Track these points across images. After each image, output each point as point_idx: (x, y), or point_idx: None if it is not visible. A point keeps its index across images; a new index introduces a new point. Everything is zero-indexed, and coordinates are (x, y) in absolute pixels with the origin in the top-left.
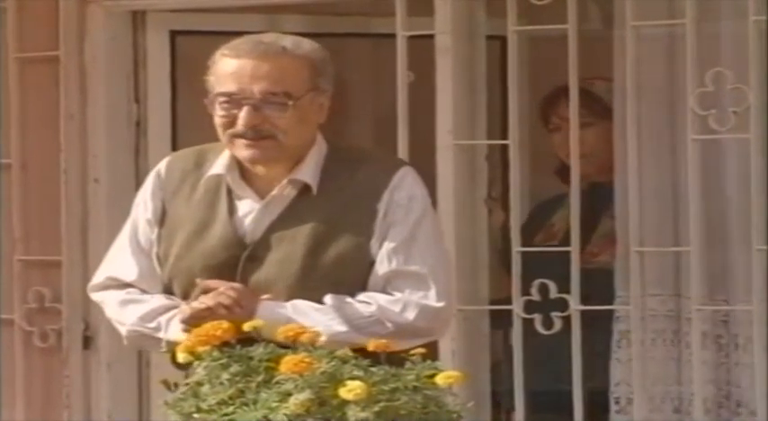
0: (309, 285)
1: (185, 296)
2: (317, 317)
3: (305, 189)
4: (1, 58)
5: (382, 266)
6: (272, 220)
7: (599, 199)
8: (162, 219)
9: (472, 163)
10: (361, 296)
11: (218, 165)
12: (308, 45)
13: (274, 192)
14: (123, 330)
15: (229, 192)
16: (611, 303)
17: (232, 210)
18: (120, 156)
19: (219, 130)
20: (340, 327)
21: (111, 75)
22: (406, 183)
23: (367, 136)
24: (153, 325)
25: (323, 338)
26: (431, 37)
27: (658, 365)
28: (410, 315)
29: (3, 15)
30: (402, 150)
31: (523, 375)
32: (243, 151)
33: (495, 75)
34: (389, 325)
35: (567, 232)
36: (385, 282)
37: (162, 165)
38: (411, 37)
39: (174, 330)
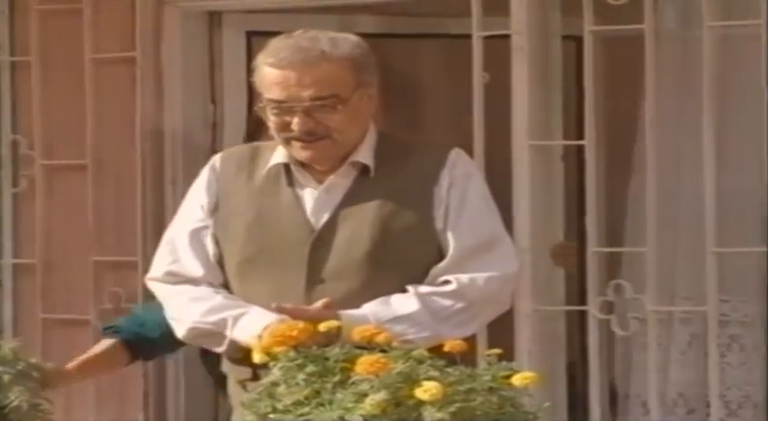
0: (378, 264)
1: (245, 281)
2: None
3: (362, 172)
4: (77, 58)
5: (453, 242)
6: (335, 204)
7: None
8: (215, 210)
9: (548, 163)
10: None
11: (278, 155)
12: (345, 44)
13: (333, 176)
14: (184, 327)
15: (289, 182)
16: None
17: (295, 197)
18: (197, 158)
19: (274, 133)
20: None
21: (188, 76)
22: (461, 162)
23: (442, 137)
24: (217, 321)
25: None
26: (506, 37)
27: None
28: (492, 286)
29: (79, 16)
30: (477, 151)
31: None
32: (300, 152)
33: (571, 75)
34: (468, 301)
35: None
36: (458, 258)
37: (216, 159)
38: (486, 37)
39: (241, 330)
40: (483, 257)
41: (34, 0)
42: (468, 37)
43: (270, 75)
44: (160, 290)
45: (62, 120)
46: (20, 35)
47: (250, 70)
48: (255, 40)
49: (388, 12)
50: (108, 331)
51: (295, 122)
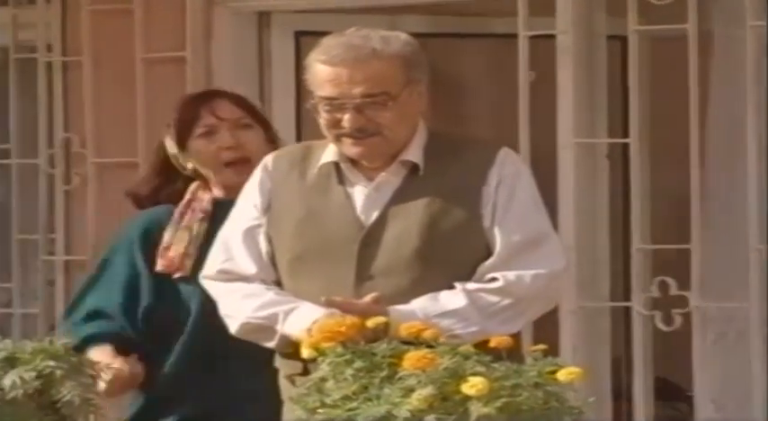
0: (427, 261)
1: (296, 278)
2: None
3: (412, 170)
4: (127, 58)
5: (500, 239)
6: (385, 202)
7: None
8: (268, 209)
9: (593, 161)
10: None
11: (329, 154)
12: (396, 42)
13: (384, 174)
14: (237, 322)
15: (340, 180)
16: None
17: (346, 195)
18: None
19: (325, 130)
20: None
21: (237, 75)
22: (509, 161)
23: (487, 135)
24: (268, 315)
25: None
26: (551, 37)
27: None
28: (538, 283)
29: (130, 16)
30: (523, 149)
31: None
32: (351, 149)
33: (616, 74)
34: (515, 298)
35: None
36: (506, 255)
37: (269, 159)
38: (532, 37)
39: (291, 325)
40: (530, 254)
41: (86, 0)
42: (515, 36)
43: (322, 72)
44: (213, 287)
45: (113, 118)
46: (72, 35)
47: (299, 70)
48: (304, 40)
49: (435, 12)
50: (95, 341)
51: (346, 119)
